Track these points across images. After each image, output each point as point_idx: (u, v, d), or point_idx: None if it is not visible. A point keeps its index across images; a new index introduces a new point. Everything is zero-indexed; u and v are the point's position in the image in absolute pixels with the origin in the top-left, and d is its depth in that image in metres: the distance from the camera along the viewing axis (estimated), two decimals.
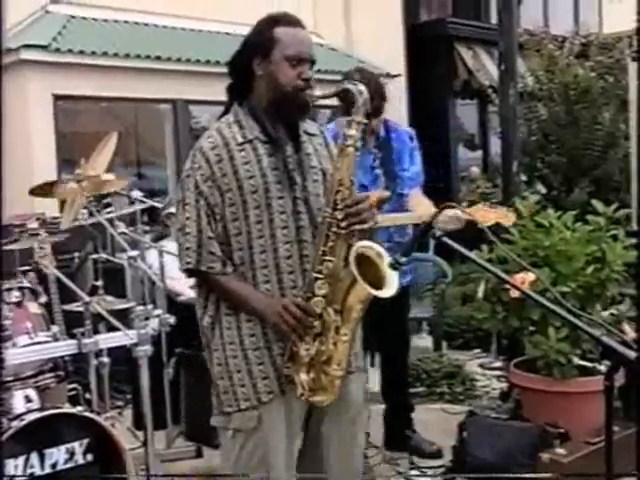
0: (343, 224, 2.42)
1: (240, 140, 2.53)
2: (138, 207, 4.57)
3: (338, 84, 2.59)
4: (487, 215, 3.80)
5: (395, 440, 4.61)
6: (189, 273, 2.58)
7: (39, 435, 3.26)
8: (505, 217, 3.89)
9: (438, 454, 4.49)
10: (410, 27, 12.44)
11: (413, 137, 4.34)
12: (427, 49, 12.35)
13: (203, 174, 2.49)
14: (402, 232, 4.26)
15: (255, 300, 2.49)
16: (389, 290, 2.38)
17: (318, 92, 2.56)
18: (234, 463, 2.57)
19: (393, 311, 4.13)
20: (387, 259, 2.37)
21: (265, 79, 2.55)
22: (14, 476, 3.19)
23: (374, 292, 2.35)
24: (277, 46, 2.52)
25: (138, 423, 4.49)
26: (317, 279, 2.42)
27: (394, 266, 2.29)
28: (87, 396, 4.05)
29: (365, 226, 2.46)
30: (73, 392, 4.09)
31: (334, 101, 2.95)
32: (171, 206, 5.86)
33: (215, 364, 2.57)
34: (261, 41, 2.54)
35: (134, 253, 3.89)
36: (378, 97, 4.08)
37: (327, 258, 2.42)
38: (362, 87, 2.47)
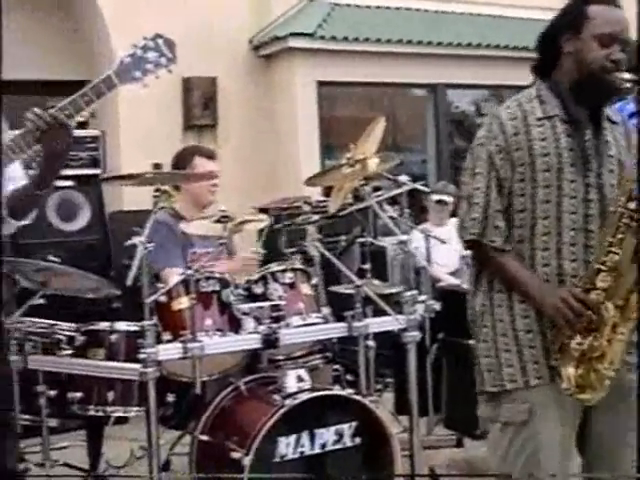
0: (637, 216, 2.27)
1: (539, 115, 2.47)
2: (404, 190, 4.53)
3: None
4: None
5: None
6: (469, 244, 2.52)
7: (310, 415, 3.33)
8: None
9: None
10: None
11: None
12: None
13: (498, 145, 2.44)
14: None
15: (532, 286, 2.40)
16: None
17: (628, 75, 2.40)
18: (502, 458, 2.50)
19: None
20: None
21: (572, 57, 2.47)
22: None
23: None
24: (588, 23, 2.43)
25: (400, 408, 4.50)
26: (600, 271, 2.30)
27: None
28: (348, 378, 4.10)
29: None
30: (335, 373, 4.15)
31: None
32: (441, 193, 5.85)
33: (482, 340, 2.51)
34: (573, 17, 2.47)
35: (404, 237, 3.87)
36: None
37: (613, 250, 2.30)
38: None
